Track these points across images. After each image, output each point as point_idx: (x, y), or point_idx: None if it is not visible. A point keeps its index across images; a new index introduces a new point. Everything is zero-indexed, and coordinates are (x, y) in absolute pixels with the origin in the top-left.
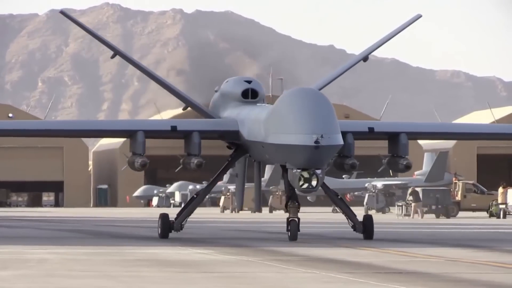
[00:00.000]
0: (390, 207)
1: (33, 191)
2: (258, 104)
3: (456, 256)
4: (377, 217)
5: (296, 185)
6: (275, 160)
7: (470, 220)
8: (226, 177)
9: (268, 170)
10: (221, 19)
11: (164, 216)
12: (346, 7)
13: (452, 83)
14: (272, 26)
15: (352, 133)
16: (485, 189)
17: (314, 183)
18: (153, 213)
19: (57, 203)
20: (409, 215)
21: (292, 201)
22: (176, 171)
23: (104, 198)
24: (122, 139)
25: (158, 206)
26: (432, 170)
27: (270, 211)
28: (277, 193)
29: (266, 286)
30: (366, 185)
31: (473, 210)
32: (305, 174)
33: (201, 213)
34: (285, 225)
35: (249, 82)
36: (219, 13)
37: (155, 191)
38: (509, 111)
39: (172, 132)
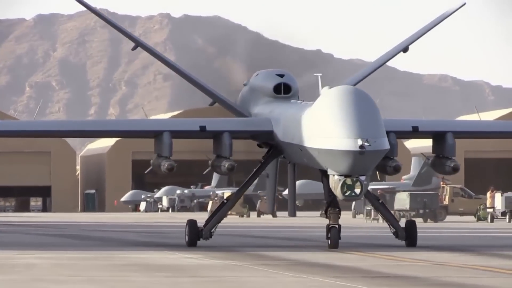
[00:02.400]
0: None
1: (20, 196)
2: (292, 101)
3: (444, 260)
4: (359, 221)
5: (338, 192)
6: (314, 164)
7: (458, 224)
8: (214, 181)
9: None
10: (209, 24)
11: (192, 223)
12: (333, 11)
13: (440, 87)
14: (259, 31)
15: (395, 133)
16: (472, 193)
17: (357, 190)
18: (140, 218)
19: (45, 208)
20: (377, 219)
21: (333, 207)
22: (204, 173)
23: (92, 203)
24: (110, 144)
25: (145, 211)
26: (420, 174)
27: (258, 216)
28: (264, 197)
29: None
30: None
31: (461, 214)
32: (348, 181)
33: (188, 218)
34: (271, 229)
35: (281, 76)
36: (207, 17)
37: (143, 196)
38: (496, 115)
39: (201, 132)
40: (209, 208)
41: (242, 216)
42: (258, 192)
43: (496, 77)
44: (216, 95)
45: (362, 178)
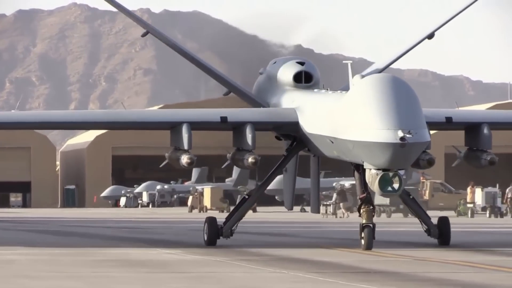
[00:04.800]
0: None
1: (0, 192)
2: (315, 90)
3: (425, 256)
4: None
5: (375, 187)
6: (347, 157)
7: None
8: (194, 176)
9: (236, 170)
10: (189, 19)
11: (211, 221)
12: (312, 6)
13: (420, 82)
14: (239, 26)
15: (429, 124)
16: (453, 188)
17: (396, 185)
18: (121, 213)
19: (25, 204)
20: (335, 215)
21: (366, 204)
22: (222, 167)
23: (72, 199)
24: (90, 139)
25: (126, 206)
26: None
27: None
28: (245, 192)
29: (234, 286)
30: (334, 184)
31: (441, 209)
32: (387, 176)
33: (168, 213)
34: (255, 224)
35: (301, 63)
36: (187, 13)
37: (123, 192)
38: None
39: (221, 123)
40: (189, 203)
41: (223, 211)
42: (238, 187)
43: (476, 72)
44: (232, 84)
45: (401, 172)
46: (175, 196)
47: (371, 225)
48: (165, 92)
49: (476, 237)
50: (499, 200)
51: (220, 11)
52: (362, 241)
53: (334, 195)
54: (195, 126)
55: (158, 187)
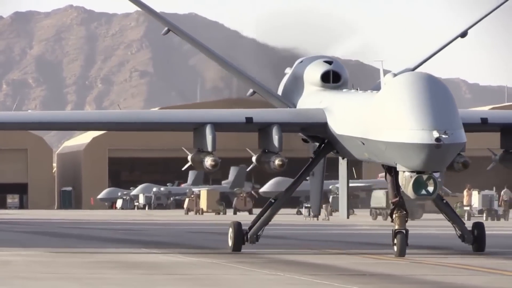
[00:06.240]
0: (354, 209)
1: None
2: (344, 90)
3: (420, 258)
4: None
5: (409, 191)
6: (379, 159)
7: (435, 222)
8: (190, 178)
9: (232, 172)
10: (185, 21)
11: (237, 225)
12: (309, 10)
13: None
14: (236, 29)
15: (463, 126)
16: (449, 191)
17: (431, 188)
18: (117, 215)
19: (22, 205)
20: (317, 217)
21: (399, 209)
22: (248, 170)
23: (68, 200)
24: (87, 141)
25: (122, 208)
26: None
27: (234, 213)
28: (241, 194)
29: None
30: (330, 187)
31: (438, 212)
32: (421, 178)
33: (165, 215)
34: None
35: (329, 63)
36: (183, 15)
37: (119, 194)
38: None
39: (247, 124)
40: (185, 205)
41: (219, 213)
42: (235, 189)
43: (473, 75)
44: (258, 84)
45: (436, 174)
46: (171, 199)
47: (403, 231)
48: (161, 94)
49: None
50: (496, 203)
51: (217, 14)
52: (395, 248)
53: None
54: (219, 127)
55: (154, 189)
